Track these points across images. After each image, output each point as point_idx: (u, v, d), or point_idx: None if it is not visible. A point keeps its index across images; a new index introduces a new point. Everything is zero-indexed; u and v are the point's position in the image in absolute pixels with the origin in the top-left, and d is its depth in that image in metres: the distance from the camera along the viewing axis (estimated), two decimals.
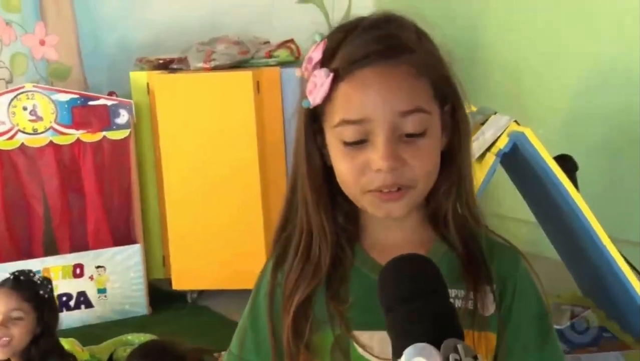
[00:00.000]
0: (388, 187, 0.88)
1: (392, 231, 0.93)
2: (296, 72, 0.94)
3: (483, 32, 3.38)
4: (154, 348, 2.05)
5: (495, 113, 1.98)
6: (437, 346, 0.71)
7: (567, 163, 2.18)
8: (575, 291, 2.61)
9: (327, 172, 0.93)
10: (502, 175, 2.22)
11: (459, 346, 0.71)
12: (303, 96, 0.92)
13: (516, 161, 2.00)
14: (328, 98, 0.89)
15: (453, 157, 0.93)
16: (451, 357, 0.70)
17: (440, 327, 0.72)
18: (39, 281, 2.07)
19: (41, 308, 2.02)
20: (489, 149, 1.87)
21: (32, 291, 2.03)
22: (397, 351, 0.73)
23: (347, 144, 0.89)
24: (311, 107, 0.90)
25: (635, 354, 2.13)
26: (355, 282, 0.92)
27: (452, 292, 0.89)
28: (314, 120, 0.92)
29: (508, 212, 3.04)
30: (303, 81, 0.92)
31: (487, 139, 1.87)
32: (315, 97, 0.89)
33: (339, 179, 0.91)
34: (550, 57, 3.17)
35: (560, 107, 3.15)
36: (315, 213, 0.92)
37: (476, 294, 0.91)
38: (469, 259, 0.93)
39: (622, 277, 1.92)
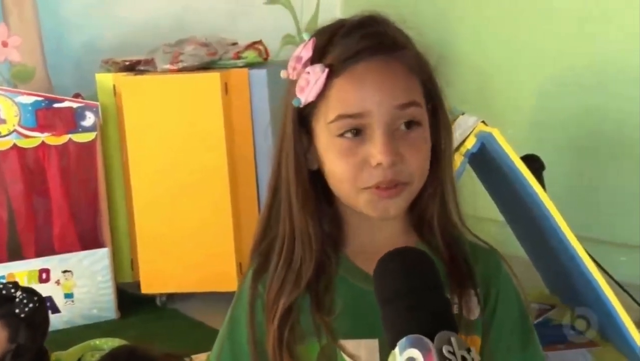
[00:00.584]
0: (387, 183, 0.87)
1: (377, 237, 0.93)
2: (281, 73, 0.93)
3: (451, 34, 3.40)
4: (125, 353, 2.02)
5: (463, 114, 2.00)
6: (431, 338, 0.71)
7: (534, 163, 2.21)
8: (542, 289, 2.64)
9: (311, 177, 0.92)
10: (471, 175, 2.23)
11: (453, 339, 0.71)
12: (290, 97, 0.90)
13: (484, 161, 2.01)
14: (322, 95, 0.89)
15: (437, 159, 0.93)
16: (444, 349, 0.70)
17: (435, 321, 0.73)
18: (17, 299, 1.96)
19: (15, 326, 1.94)
20: (457, 149, 1.88)
21: (6, 308, 1.95)
22: (391, 343, 0.73)
23: (344, 139, 0.88)
24: (302, 105, 0.89)
25: (602, 351, 2.16)
26: (340, 290, 0.91)
27: None
28: (300, 122, 0.92)
29: (476, 211, 3.07)
30: (289, 83, 0.92)
31: (455, 139, 1.88)
32: (308, 95, 0.88)
33: (333, 179, 0.90)
34: (517, 59, 3.20)
35: (526, 108, 3.19)
36: (301, 218, 0.91)
37: (461, 298, 0.91)
38: (454, 263, 0.93)
39: (587, 274, 1.95)
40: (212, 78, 2.92)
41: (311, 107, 0.90)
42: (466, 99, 3.36)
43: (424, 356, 0.69)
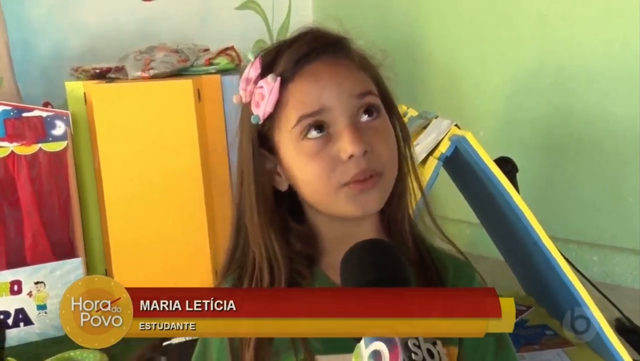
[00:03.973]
0: (363, 173, 0.86)
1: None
2: (234, 99, 0.93)
3: (421, 39, 3.43)
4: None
5: (436, 117, 2.01)
6: None
7: (507, 165, 2.23)
8: (518, 290, 2.66)
9: (278, 197, 0.92)
10: (445, 178, 2.25)
11: None
12: (245, 120, 0.90)
13: (457, 163, 2.02)
14: (279, 103, 0.88)
15: (400, 161, 0.93)
16: (409, 342, 0.70)
17: None
18: None
19: None
20: (431, 153, 1.89)
21: None
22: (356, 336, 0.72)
23: (310, 140, 0.87)
24: (261, 121, 0.89)
25: (577, 351, 2.18)
26: None
27: None
28: (260, 143, 0.91)
29: (452, 214, 3.09)
30: (242, 107, 0.91)
31: (429, 143, 1.89)
32: (266, 107, 0.88)
33: (307, 186, 0.89)
34: (484, 61, 3.24)
35: (494, 110, 3.22)
36: (267, 240, 0.90)
37: None
38: (424, 269, 0.93)
39: (561, 275, 1.96)
40: (185, 85, 2.90)
41: (270, 121, 0.89)
42: (435, 101, 3.39)
43: (390, 349, 0.69)
